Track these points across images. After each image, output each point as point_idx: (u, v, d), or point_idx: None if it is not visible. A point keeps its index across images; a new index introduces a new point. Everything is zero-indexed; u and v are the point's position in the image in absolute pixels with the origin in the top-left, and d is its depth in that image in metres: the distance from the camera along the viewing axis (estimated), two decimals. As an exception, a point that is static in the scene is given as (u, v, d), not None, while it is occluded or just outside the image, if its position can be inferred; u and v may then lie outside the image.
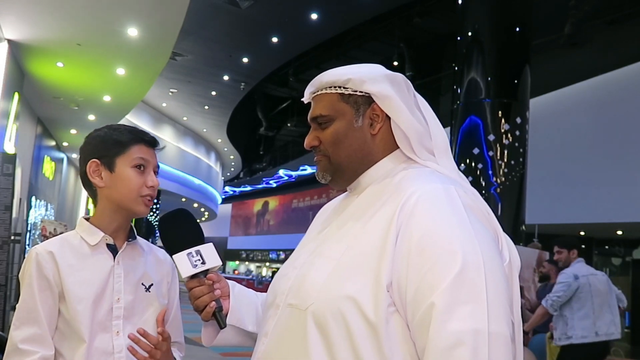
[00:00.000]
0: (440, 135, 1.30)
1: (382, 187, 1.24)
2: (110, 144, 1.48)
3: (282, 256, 29.27)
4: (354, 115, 1.26)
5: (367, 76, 1.25)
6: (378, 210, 1.18)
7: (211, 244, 1.37)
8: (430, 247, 1.07)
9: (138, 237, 1.57)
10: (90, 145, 1.51)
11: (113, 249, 1.50)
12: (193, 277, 1.32)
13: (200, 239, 1.36)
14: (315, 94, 1.30)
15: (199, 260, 1.33)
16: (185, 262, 1.32)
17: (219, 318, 1.31)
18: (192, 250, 1.34)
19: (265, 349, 1.20)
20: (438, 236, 1.08)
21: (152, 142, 1.52)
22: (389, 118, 1.26)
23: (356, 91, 1.25)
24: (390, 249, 1.10)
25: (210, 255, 1.34)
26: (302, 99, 1.36)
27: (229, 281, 1.42)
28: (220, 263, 1.36)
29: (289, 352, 1.14)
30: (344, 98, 1.26)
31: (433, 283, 1.04)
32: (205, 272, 1.33)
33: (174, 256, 1.34)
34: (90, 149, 1.50)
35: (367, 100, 1.26)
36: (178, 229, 1.37)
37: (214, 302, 1.30)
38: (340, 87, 1.26)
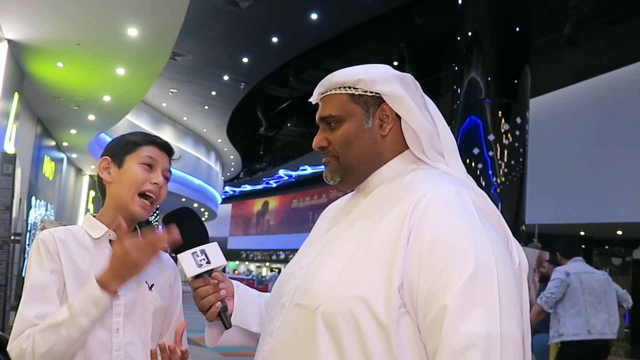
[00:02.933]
0: (448, 137, 1.29)
1: (391, 188, 1.23)
2: (124, 144, 1.53)
3: (282, 256, 29.27)
4: (364, 116, 1.25)
5: (378, 76, 1.24)
6: (389, 210, 1.17)
7: (216, 243, 1.35)
8: (442, 249, 1.06)
9: None
10: (107, 148, 1.57)
11: None
12: (198, 276, 1.31)
13: (205, 238, 1.35)
14: (324, 95, 1.29)
15: (204, 259, 1.31)
16: (190, 262, 1.31)
17: (224, 318, 1.29)
18: (197, 249, 1.32)
19: (271, 349, 1.19)
20: (450, 238, 1.07)
21: (164, 146, 1.55)
22: (398, 118, 1.25)
23: (366, 91, 1.24)
24: (402, 250, 1.09)
25: (215, 254, 1.33)
26: (309, 100, 1.35)
27: (233, 281, 1.41)
28: (226, 262, 1.35)
29: (297, 352, 1.13)
30: (354, 99, 1.25)
31: (445, 285, 1.03)
32: (210, 272, 1.32)
33: (178, 255, 1.32)
34: (106, 150, 1.56)
35: (377, 100, 1.25)
36: (182, 227, 1.34)
37: (219, 302, 1.29)
38: (350, 87, 1.25)
